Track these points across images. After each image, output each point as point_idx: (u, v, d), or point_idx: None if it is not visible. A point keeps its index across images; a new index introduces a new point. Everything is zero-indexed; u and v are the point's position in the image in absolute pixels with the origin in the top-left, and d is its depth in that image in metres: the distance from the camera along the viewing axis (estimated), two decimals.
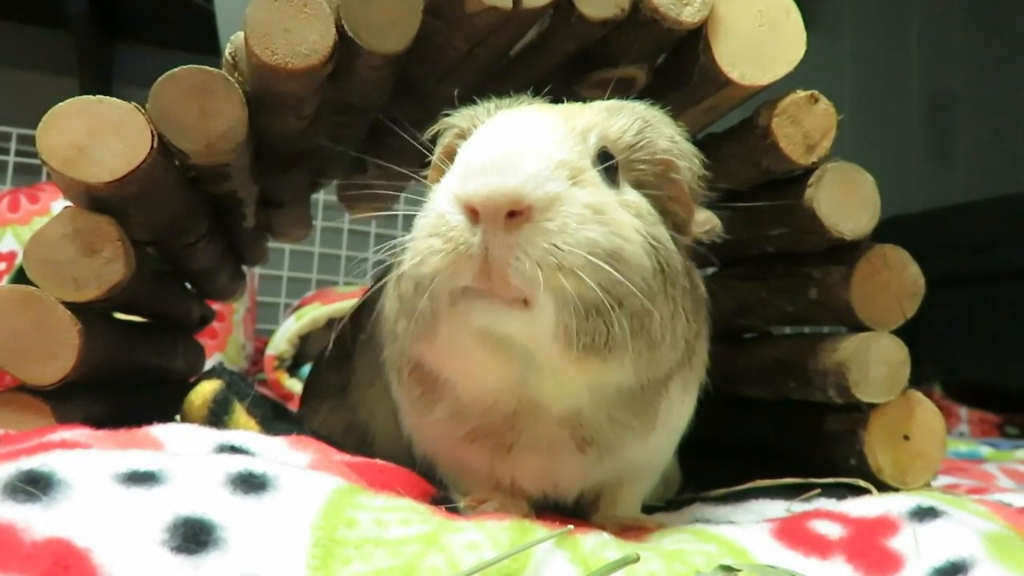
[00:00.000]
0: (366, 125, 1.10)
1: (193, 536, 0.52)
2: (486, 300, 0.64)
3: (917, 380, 0.98)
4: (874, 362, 0.94)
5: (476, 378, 0.71)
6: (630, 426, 0.75)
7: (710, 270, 1.14)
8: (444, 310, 0.66)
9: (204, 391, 0.94)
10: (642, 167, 0.74)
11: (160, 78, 0.80)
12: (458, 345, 0.68)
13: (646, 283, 0.66)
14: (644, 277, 0.66)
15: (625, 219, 0.67)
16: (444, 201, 0.65)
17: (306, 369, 2.37)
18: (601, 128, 0.73)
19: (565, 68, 0.99)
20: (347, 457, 0.77)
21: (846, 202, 0.93)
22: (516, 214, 0.62)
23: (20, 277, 0.82)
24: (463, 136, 0.75)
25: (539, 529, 0.61)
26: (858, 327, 0.97)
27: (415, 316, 0.68)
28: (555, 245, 0.62)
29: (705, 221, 0.78)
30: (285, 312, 2.80)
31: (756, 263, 1.13)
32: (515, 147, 0.64)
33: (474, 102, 0.79)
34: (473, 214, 0.62)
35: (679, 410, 0.82)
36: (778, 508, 0.88)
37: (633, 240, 0.66)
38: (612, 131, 0.73)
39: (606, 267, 0.63)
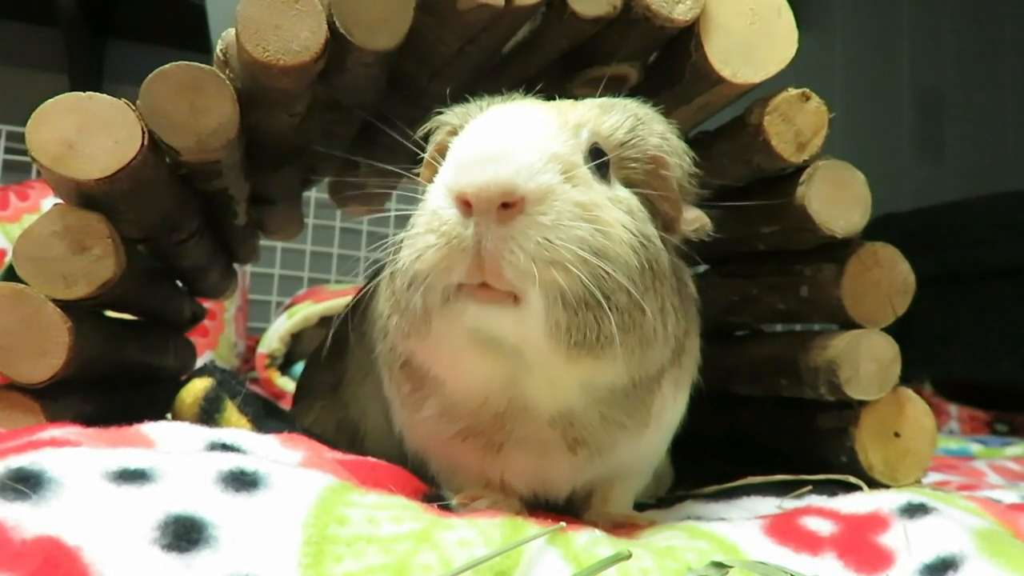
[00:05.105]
0: (358, 123, 1.10)
1: (184, 534, 0.52)
2: (478, 301, 0.64)
3: (907, 378, 0.99)
4: (865, 359, 0.94)
5: (466, 377, 0.71)
6: (623, 425, 0.75)
7: (701, 268, 1.14)
8: (437, 307, 0.66)
9: (195, 389, 0.94)
10: (633, 164, 0.74)
11: (151, 75, 0.79)
12: (449, 343, 0.68)
13: (632, 280, 0.66)
14: (630, 275, 0.66)
15: (614, 217, 0.67)
16: (438, 197, 0.65)
17: (298, 367, 2.37)
18: (593, 124, 0.73)
19: (557, 66, 0.99)
20: (339, 455, 0.77)
21: (837, 200, 0.93)
22: (509, 206, 0.62)
23: (9, 275, 0.82)
24: (455, 133, 0.75)
25: (531, 526, 0.61)
26: (849, 324, 0.97)
27: (406, 312, 0.68)
28: (547, 239, 0.62)
29: (695, 219, 0.78)
30: (277, 310, 2.80)
31: (747, 261, 1.13)
32: (508, 139, 0.64)
33: (467, 100, 0.79)
34: (466, 206, 0.62)
35: (671, 408, 0.82)
36: (769, 505, 0.88)
37: (620, 239, 0.66)
38: (604, 128, 0.73)
39: (594, 262, 0.63)
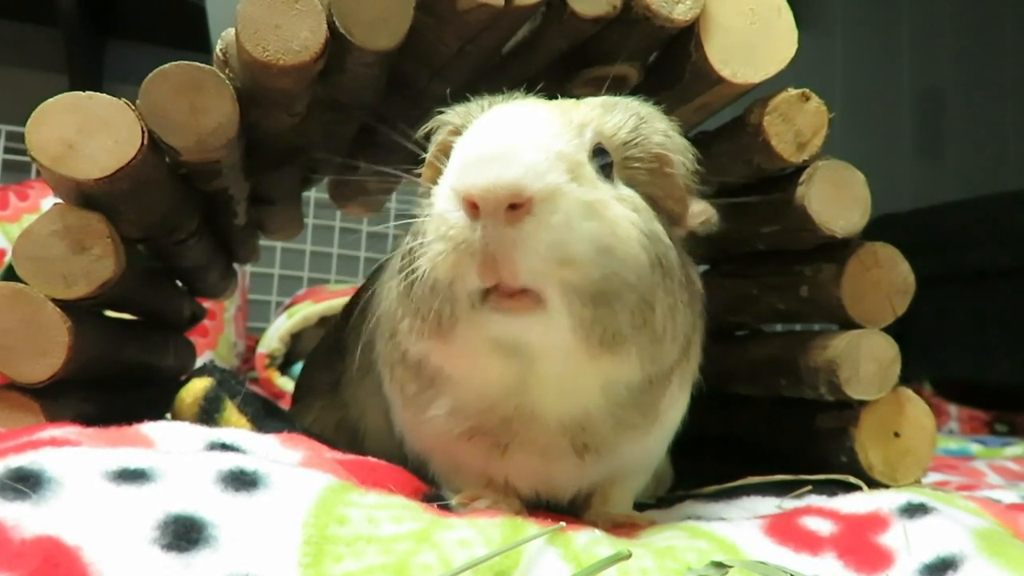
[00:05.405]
0: (358, 123, 1.10)
1: (184, 534, 0.52)
2: (503, 311, 0.64)
3: (907, 378, 0.99)
4: (865, 359, 0.94)
5: (481, 380, 0.71)
6: (634, 424, 0.75)
7: (701, 268, 1.14)
8: (464, 314, 0.65)
9: (195, 389, 0.94)
10: (637, 163, 0.74)
11: (150, 74, 0.79)
12: (471, 348, 0.67)
13: (642, 278, 0.66)
14: (640, 271, 0.66)
15: (621, 215, 0.67)
16: (443, 199, 0.65)
17: (297, 367, 2.37)
18: (597, 123, 0.72)
19: (557, 66, 0.99)
20: (339, 455, 0.77)
21: (837, 200, 0.93)
22: (516, 207, 0.61)
23: (9, 274, 0.82)
24: (457, 132, 0.75)
25: (531, 526, 0.61)
26: (849, 324, 0.97)
27: (421, 315, 0.68)
28: (557, 240, 0.62)
29: (700, 212, 0.78)
30: (276, 310, 2.80)
31: (747, 261, 1.13)
32: (513, 139, 0.64)
33: (467, 100, 0.79)
34: (472, 208, 0.62)
35: (676, 406, 0.82)
36: (769, 505, 0.88)
37: (628, 237, 0.66)
38: (608, 127, 0.73)
39: (604, 260, 0.63)
